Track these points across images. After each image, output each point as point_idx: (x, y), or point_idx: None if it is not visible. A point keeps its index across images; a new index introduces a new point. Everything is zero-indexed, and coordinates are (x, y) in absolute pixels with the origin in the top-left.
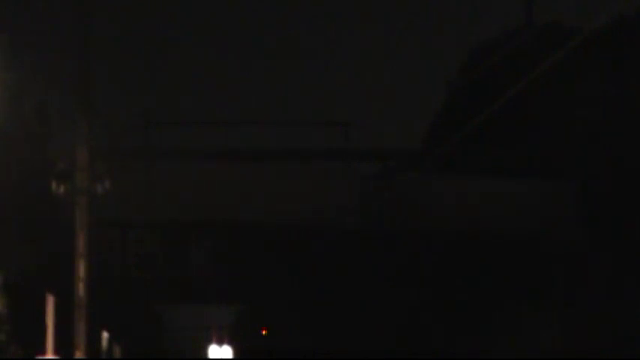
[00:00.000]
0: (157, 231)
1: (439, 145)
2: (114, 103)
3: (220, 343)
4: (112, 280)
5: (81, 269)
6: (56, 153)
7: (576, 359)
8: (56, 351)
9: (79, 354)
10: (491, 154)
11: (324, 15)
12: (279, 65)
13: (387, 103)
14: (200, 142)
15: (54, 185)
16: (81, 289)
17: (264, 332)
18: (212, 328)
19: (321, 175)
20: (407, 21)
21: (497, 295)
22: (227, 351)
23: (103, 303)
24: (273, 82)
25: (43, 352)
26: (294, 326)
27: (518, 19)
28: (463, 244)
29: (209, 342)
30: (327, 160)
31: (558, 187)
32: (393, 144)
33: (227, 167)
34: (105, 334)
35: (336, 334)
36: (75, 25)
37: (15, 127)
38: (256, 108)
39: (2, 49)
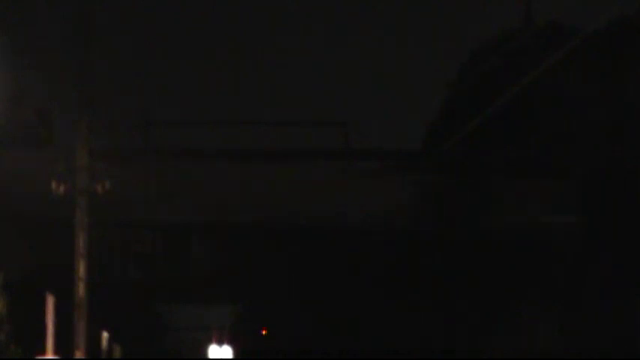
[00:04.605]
0: (157, 231)
1: (439, 145)
2: (114, 103)
3: (220, 343)
4: (112, 280)
5: (81, 269)
6: (56, 153)
7: (576, 359)
8: (56, 351)
9: (79, 354)
10: (491, 154)
11: (325, 15)
12: (278, 65)
13: (387, 103)
14: (200, 142)
15: (54, 185)
16: (81, 289)
17: (264, 332)
18: (212, 328)
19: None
20: (407, 21)
21: (497, 295)
22: (227, 351)
23: (103, 303)
24: (274, 82)
25: (43, 352)
26: (294, 326)
27: (518, 19)
28: (462, 243)
29: (209, 342)
30: (327, 160)
31: (558, 186)
32: (393, 144)
33: (227, 167)
34: (105, 334)
35: (336, 334)
36: (75, 25)
37: (15, 127)
38: (256, 108)
39: (2, 49)
